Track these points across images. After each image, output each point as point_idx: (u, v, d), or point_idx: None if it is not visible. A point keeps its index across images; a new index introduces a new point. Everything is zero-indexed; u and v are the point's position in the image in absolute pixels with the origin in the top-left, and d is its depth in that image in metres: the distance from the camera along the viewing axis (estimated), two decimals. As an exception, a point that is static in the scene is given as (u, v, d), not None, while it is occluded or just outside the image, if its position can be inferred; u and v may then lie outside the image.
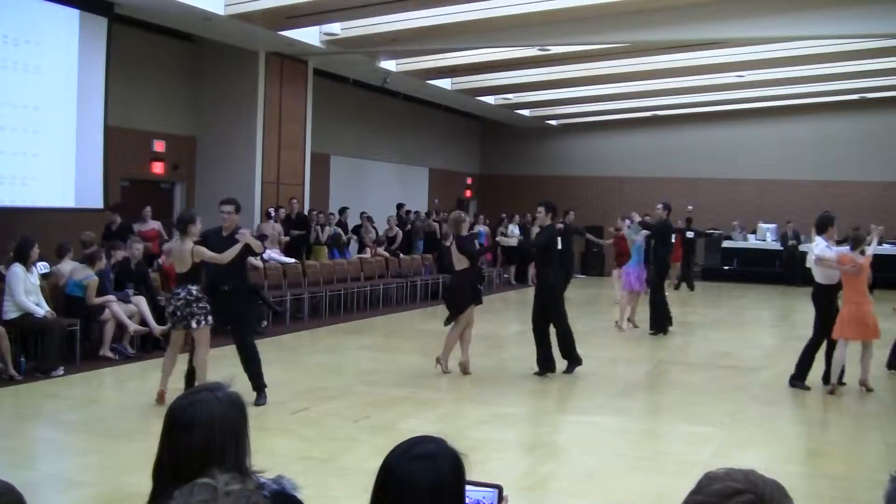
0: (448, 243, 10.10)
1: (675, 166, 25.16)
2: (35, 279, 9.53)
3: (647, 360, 11.46)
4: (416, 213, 20.70)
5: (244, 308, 8.42)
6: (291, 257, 14.97)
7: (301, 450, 6.65)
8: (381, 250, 17.64)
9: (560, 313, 9.91)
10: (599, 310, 16.35)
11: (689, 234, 19.48)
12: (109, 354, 10.16)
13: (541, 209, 9.98)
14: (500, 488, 2.13)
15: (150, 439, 2.27)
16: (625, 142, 25.85)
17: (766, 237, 22.91)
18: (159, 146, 15.46)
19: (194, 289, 7.83)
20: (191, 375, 7.86)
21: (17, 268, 9.28)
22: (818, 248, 9.24)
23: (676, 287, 20.00)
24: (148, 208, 13.65)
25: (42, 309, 9.44)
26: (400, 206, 20.36)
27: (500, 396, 8.84)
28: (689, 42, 15.38)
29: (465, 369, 9.78)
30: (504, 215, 22.55)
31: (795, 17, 13.24)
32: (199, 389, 2.22)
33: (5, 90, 11.48)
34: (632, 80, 19.77)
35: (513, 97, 21.95)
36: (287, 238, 15.44)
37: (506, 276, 21.69)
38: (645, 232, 13.88)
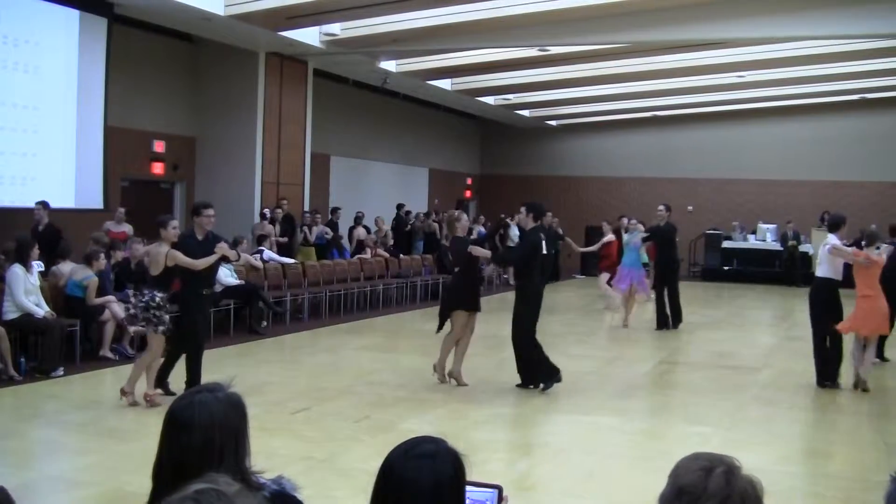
0: (447, 243, 9.95)
1: (675, 166, 25.16)
2: (35, 279, 9.52)
3: (647, 359, 11.46)
4: (414, 213, 20.66)
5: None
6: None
7: (301, 450, 6.64)
8: (381, 251, 17.65)
9: (528, 329, 8.92)
10: (598, 310, 16.35)
11: None
12: (109, 355, 10.16)
13: (522, 210, 9.14)
14: (500, 488, 2.13)
15: (150, 439, 2.27)
16: (625, 142, 25.85)
17: (766, 237, 22.91)
18: (159, 146, 15.47)
19: (159, 296, 7.83)
20: (191, 383, 7.82)
21: (17, 268, 9.28)
22: (832, 240, 9.37)
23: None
24: (122, 210, 13.15)
25: (42, 309, 9.43)
26: (400, 207, 20.37)
27: (499, 396, 8.83)
28: (689, 42, 15.38)
29: (456, 379, 9.06)
30: (503, 215, 22.50)
31: (796, 17, 13.24)
32: (198, 390, 2.22)
33: (5, 90, 11.49)
34: (632, 81, 19.78)
35: (513, 97, 21.95)
36: (285, 239, 15.41)
37: (505, 276, 21.68)
38: (643, 234, 13.88)
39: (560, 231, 18.60)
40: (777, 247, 22.61)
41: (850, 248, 9.42)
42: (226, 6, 12.88)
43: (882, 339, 10.16)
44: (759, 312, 17.95)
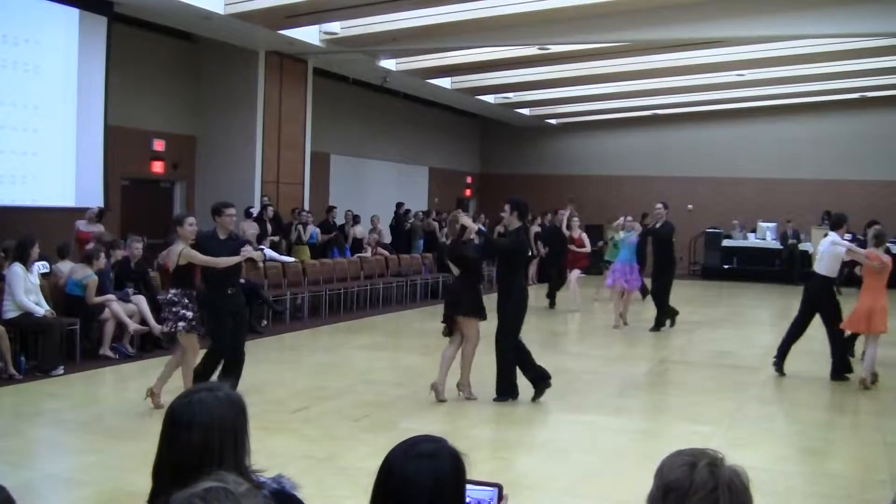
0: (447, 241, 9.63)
1: (675, 165, 25.17)
2: (35, 278, 9.53)
3: (647, 359, 11.46)
4: (413, 212, 20.64)
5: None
6: None
7: (301, 449, 6.64)
8: (381, 249, 17.66)
9: (516, 332, 8.45)
10: (597, 309, 16.35)
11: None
12: (109, 354, 10.16)
13: (507, 207, 8.63)
14: (500, 487, 2.13)
15: (150, 439, 2.27)
16: (625, 141, 25.86)
17: (765, 236, 22.92)
18: (159, 145, 15.47)
19: (171, 293, 7.70)
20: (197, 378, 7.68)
21: (17, 267, 9.28)
22: (843, 241, 9.59)
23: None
24: (93, 208, 12.37)
25: (42, 308, 9.44)
26: (399, 206, 20.37)
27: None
28: (688, 41, 15.38)
29: (465, 391, 8.50)
30: (503, 214, 22.48)
31: (795, 16, 13.24)
32: (198, 389, 2.22)
33: (5, 90, 11.49)
34: (632, 79, 19.78)
35: (513, 96, 21.95)
36: (277, 238, 15.32)
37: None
38: (638, 228, 13.79)
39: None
40: (777, 245, 22.63)
41: (863, 251, 9.53)
42: (225, 5, 12.88)
43: (854, 335, 10.28)
44: (758, 311, 17.95)
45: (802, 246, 22.10)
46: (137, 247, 11.23)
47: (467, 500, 1.99)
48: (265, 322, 12.95)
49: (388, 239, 18.87)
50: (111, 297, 10.23)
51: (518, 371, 8.50)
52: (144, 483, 2.17)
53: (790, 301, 18.75)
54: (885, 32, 13.97)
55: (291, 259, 14.93)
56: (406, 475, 1.88)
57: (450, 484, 1.90)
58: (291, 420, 7.51)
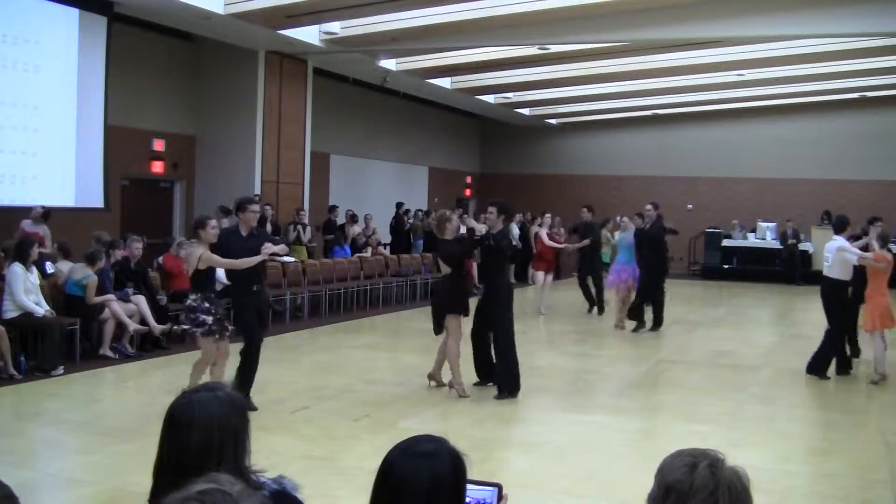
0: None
1: (674, 165, 25.17)
2: (35, 278, 9.53)
3: (646, 359, 11.46)
4: (413, 212, 20.65)
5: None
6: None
7: (301, 449, 6.65)
8: (381, 249, 17.67)
9: (511, 332, 8.67)
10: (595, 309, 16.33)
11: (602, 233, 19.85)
12: (109, 354, 10.16)
13: (492, 209, 8.74)
14: (499, 487, 2.13)
15: (150, 438, 2.27)
16: (624, 141, 25.86)
17: (765, 236, 22.93)
18: (159, 145, 15.47)
19: (190, 298, 7.59)
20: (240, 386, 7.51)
21: (17, 267, 9.28)
22: (851, 246, 9.77)
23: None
24: (39, 208, 11.45)
25: (42, 308, 9.44)
26: (399, 205, 20.37)
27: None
28: (689, 41, 15.37)
29: (436, 380, 8.85)
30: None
31: (795, 15, 13.23)
32: (199, 389, 2.22)
33: (5, 90, 11.49)
34: (631, 79, 19.78)
35: (512, 96, 21.95)
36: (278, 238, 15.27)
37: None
38: (631, 229, 13.64)
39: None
40: (777, 245, 22.63)
41: (870, 254, 9.60)
42: (225, 5, 12.88)
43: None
44: (758, 311, 17.95)
45: (802, 246, 22.11)
46: (137, 246, 11.23)
47: (467, 499, 1.99)
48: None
49: (383, 237, 18.85)
50: (111, 297, 10.24)
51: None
52: (144, 483, 2.17)
53: (790, 301, 18.84)
54: (885, 32, 13.97)
55: (292, 259, 14.90)
56: (405, 474, 1.88)
57: (449, 483, 1.90)
58: (291, 420, 7.51)
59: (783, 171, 24.17)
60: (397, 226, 19.78)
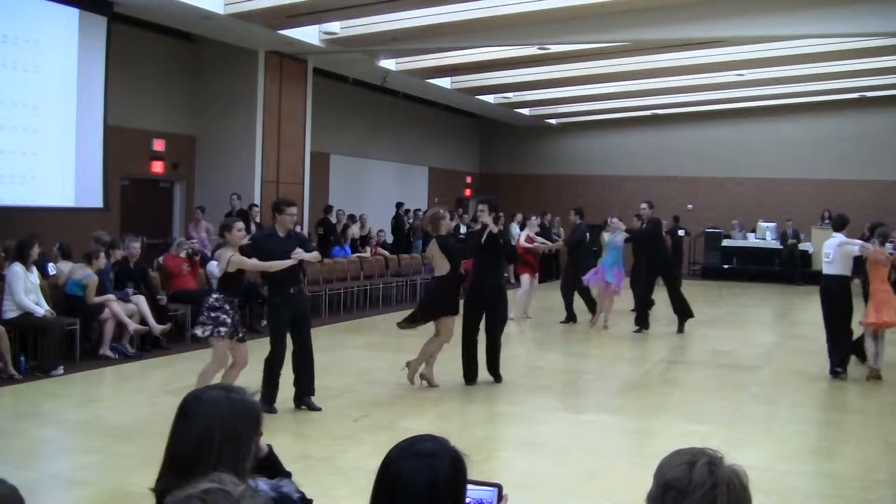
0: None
1: (674, 165, 25.17)
2: (35, 278, 9.52)
3: (646, 358, 11.46)
4: (412, 212, 20.65)
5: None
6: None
7: (300, 449, 6.65)
8: (381, 249, 17.67)
9: (505, 321, 9.06)
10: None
11: (681, 233, 19.57)
12: (109, 353, 10.16)
13: (483, 207, 8.93)
14: (499, 487, 2.13)
15: (151, 438, 2.28)
16: (624, 141, 25.85)
17: (765, 236, 22.93)
18: (159, 145, 15.46)
19: (213, 297, 7.42)
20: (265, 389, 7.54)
21: (17, 267, 9.28)
22: (853, 242, 9.89)
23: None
24: None
25: (42, 308, 9.44)
26: (399, 205, 20.37)
27: (499, 395, 8.83)
28: (688, 41, 15.37)
29: (429, 381, 8.89)
30: (502, 214, 22.45)
31: (795, 15, 13.23)
32: (215, 386, 2.21)
33: (5, 90, 11.48)
34: (631, 79, 19.77)
35: (512, 96, 21.94)
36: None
37: (505, 274, 21.64)
38: (624, 235, 13.45)
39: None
40: (777, 245, 22.63)
41: (872, 247, 9.69)
42: (225, 5, 12.87)
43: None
44: (758, 311, 17.95)
45: (802, 246, 22.11)
46: (135, 246, 11.22)
47: (467, 500, 1.99)
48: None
49: (386, 237, 18.86)
50: (111, 297, 10.24)
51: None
52: (145, 482, 2.18)
53: (790, 301, 18.84)
54: (885, 32, 13.96)
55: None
56: (403, 474, 1.88)
57: (448, 483, 1.90)
58: (291, 420, 7.51)
59: (783, 171, 24.17)
60: (397, 226, 19.77)
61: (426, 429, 2.32)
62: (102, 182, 12.93)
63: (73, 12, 12.26)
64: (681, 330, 13.20)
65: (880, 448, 7.17)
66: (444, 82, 19.75)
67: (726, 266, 23.11)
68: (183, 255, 12.00)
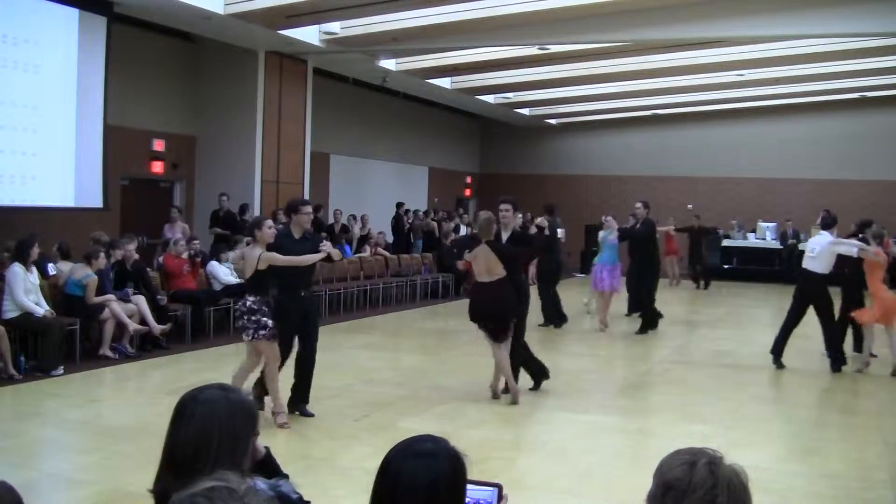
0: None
1: (674, 165, 25.17)
2: (35, 278, 9.52)
3: (646, 358, 11.46)
4: (413, 212, 20.64)
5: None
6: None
7: (300, 449, 6.65)
8: (380, 249, 17.67)
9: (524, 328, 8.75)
10: (592, 309, 16.32)
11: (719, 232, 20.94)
12: (109, 354, 10.16)
13: (508, 206, 8.57)
14: (499, 487, 2.13)
15: (150, 438, 2.28)
16: (625, 141, 25.85)
17: (765, 236, 22.93)
18: (159, 145, 15.46)
19: (249, 300, 7.28)
20: (260, 382, 7.53)
21: (17, 267, 9.28)
22: (848, 241, 10.04)
23: (704, 286, 20.85)
24: None
25: (42, 308, 9.44)
26: (399, 205, 20.37)
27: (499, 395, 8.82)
28: (688, 41, 15.37)
29: (495, 393, 8.56)
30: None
31: (795, 15, 13.24)
32: (212, 386, 2.20)
33: (5, 89, 11.48)
34: (631, 79, 19.77)
35: (512, 96, 21.95)
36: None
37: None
38: (614, 227, 13.41)
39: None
40: (776, 245, 22.64)
41: (871, 248, 9.75)
42: (225, 5, 12.88)
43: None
44: (758, 311, 17.93)
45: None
46: (129, 248, 11.16)
47: (467, 500, 1.99)
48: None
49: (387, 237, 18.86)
50: (111, 297, 10.24)
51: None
52: (144, 483, 2.18)
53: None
54: (885, 32, 13.96)
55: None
56: (403, 474, 1.88)
57: (448, 483, 1.89)
58: (291, 420, 7.51)
59: (783, 171, 24.17)
60: (397, 226, 19.77)
61: (426, 429, 2.32)
62: (102, 182, 12.93)
63: (72, 12, 12.27)
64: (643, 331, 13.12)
65: (880, 448, 7.16)
66: (444, 82, 19.76)
67: (726, 266, 23.11)
68: (185, 255, 12.00)
